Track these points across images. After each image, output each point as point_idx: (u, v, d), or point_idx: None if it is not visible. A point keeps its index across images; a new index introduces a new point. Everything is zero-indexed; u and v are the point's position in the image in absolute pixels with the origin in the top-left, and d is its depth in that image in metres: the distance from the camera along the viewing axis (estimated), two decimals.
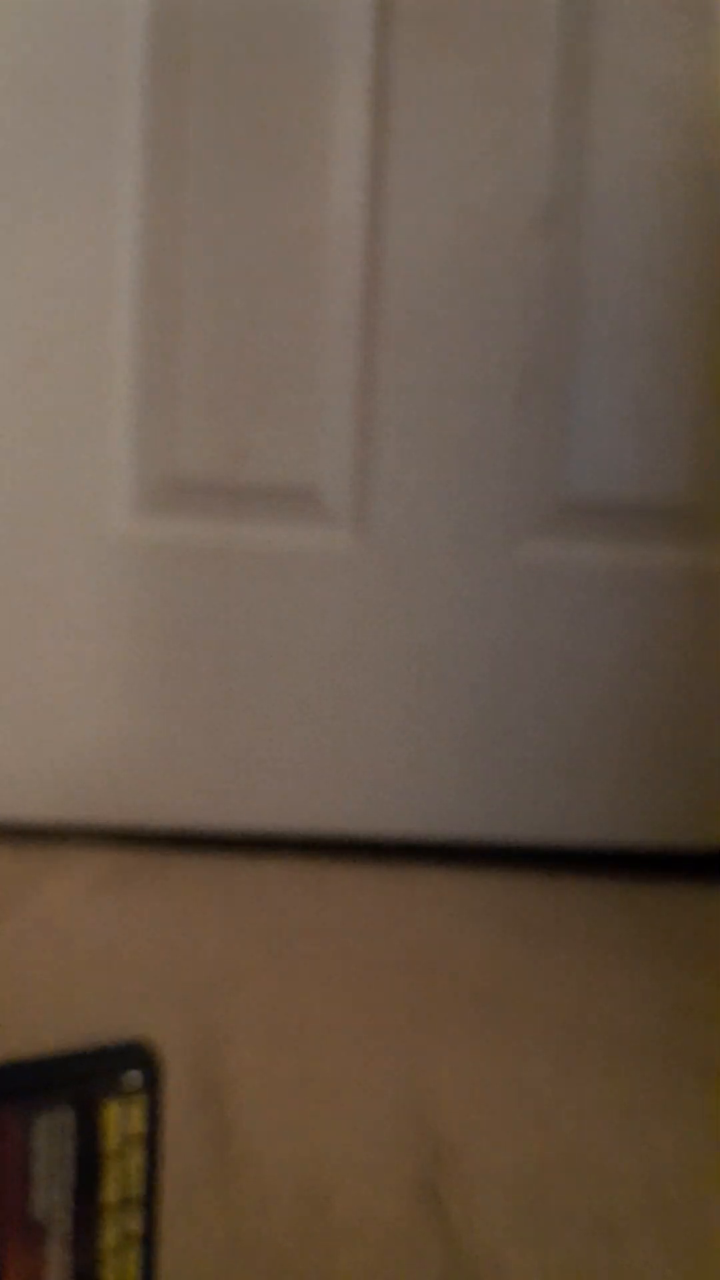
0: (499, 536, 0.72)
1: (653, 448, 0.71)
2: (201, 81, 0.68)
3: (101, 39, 0.67)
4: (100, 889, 0.66)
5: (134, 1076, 0.30)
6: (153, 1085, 0.30)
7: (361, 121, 0.68)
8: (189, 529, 0.71)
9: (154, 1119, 0.30)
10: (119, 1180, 0.29)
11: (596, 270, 0.70)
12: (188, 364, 0.70)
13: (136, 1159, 0.29)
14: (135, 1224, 0.30)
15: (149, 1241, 0.30)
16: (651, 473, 0.71)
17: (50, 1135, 0.28)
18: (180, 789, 0.72)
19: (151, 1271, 0.30)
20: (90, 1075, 0.29)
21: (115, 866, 0.69)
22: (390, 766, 0.72)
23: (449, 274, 0.70)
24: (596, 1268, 0.36)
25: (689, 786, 0.73)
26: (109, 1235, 0.29)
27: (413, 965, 0.59)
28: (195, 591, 0.71)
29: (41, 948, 0.60)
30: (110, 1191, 0.29)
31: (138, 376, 0.70)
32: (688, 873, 0.73)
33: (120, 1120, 0.29)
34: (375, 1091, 0.46)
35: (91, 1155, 0.29)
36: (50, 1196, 0.28)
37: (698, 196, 0.69)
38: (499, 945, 0.62)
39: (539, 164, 0.69)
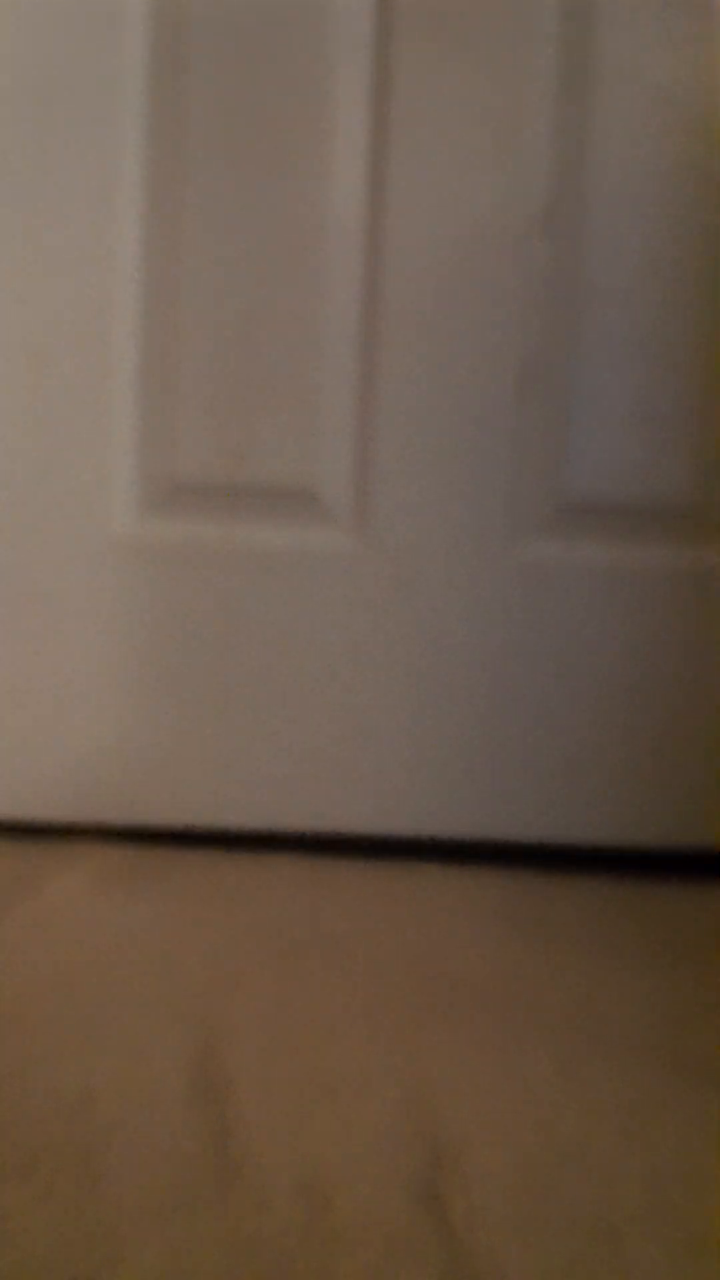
0: (499, 536, 0.71)
1: (653, 447, 0.71)
2: (202, 81, 0.68)
3: (102, 39, 0.67)
4: (103, 887, 0.66)
5: None
6: None
7: (362, 120, 0.68)
8: (189, 530, 0.71)
9: None
10: None
11: (597, 270, 0.69)
12: (187, 364, 0.70)
13: None
14: None
15: None
16: (652, 472, 0.71)
17: None
18: (183, 787, 0.72)
19: None
20: None
21: (118, 865, 0.68)
22: (392, 765, 0.72)
23: (449, 273, 0.70)
24: (597, 1269, 0.36)
25: (690, 786, 0.73)
26: None
27: (415, 963, 0.59)
28: (196, 591, 0.71)
29: (42, 946, 0.60)
30: None
31: (139, 377, 0.70)
32: (689, 872, 0.73)
33: None
34: (376, 1090, 0.46)
35: None
36: None
37: (699, 198, 0.69)
38: (501, 945, 0.62)
39: (539, 164, 0.69)
